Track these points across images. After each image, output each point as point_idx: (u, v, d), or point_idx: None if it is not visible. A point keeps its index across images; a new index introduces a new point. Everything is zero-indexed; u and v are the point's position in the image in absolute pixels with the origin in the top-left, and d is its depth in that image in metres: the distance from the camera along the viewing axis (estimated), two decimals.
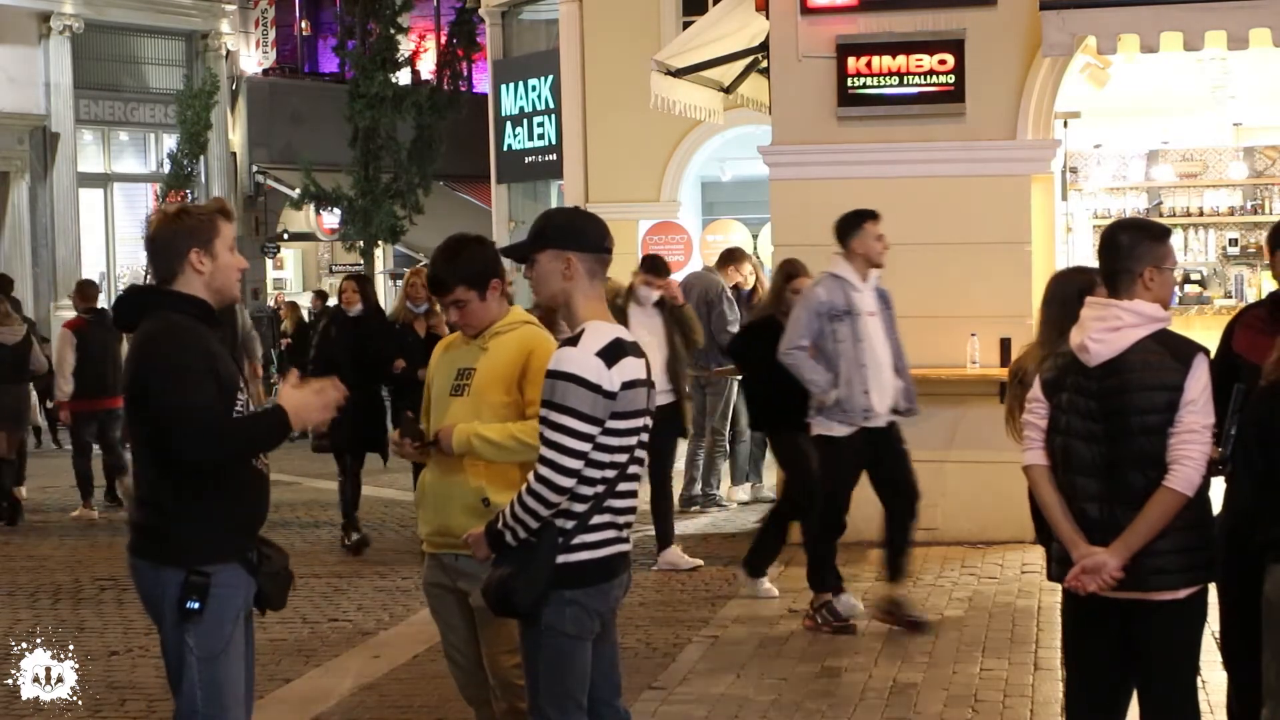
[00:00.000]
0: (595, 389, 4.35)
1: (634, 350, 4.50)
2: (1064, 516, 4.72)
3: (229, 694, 4.67)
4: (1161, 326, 4.68)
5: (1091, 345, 4.67)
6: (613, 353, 4.41)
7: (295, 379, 4.80)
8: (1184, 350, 4.65)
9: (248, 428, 4.69)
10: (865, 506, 10.68)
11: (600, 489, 4.45)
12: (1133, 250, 4.74)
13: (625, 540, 4.60)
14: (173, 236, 4.70)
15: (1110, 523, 4.63)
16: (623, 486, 4.51)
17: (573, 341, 4.44)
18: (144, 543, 4.67)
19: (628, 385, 4.42)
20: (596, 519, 4.46)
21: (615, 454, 4.45)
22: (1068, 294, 5.47)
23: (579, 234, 4.57)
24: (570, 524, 4.44)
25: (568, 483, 4.37)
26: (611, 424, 4.40)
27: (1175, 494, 4.55)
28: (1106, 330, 4.66)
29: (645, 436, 4.57)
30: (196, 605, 4.55)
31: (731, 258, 13.33)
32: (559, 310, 4.62)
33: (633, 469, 4.53)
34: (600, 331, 4.45)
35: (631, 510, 4.60)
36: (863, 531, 10.62)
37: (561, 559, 4.43)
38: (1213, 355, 4.88)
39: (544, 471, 4.37)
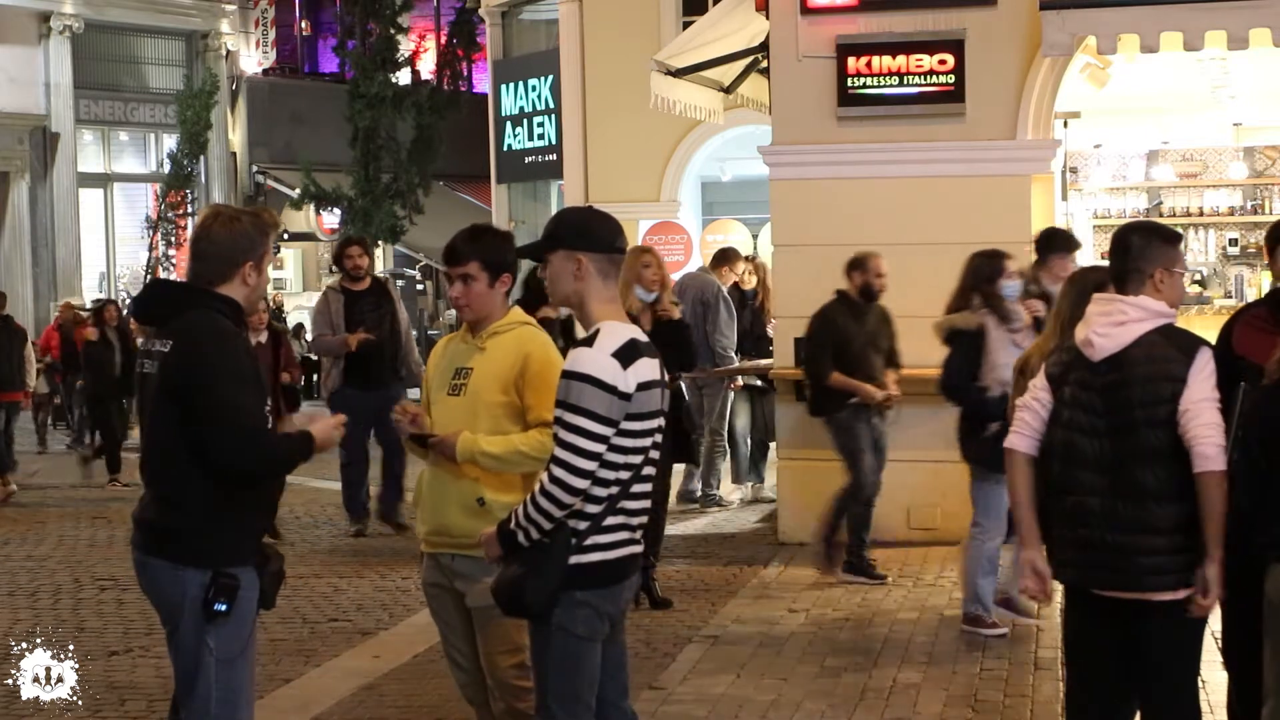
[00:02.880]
0: (611, 390, 4.34)
1: (648, 351, 4.49)
2: (1029, 509, 4.80)
3: (242, 696, 4.68)
4: (1167, 321, 4.69)
5: (1096, 340, 4.68)
6: (628, 353, 4.39)
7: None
8: (1188, 343, 4.66)
9: (280, 445, 4.70)
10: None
11: (614, 490, 4.43)
12: (1144, 251, 4.76)
13: (638, 542, 4.59)
14: (233, 244, 4.67)
15: (1113, 515, 4.63)
16: (637, 488, 4.50)
17: (588, 342, 4.44)
18: (164, 542, 4.62)
19: (643, 386, 4.41)
20: (610, 520, 4.45)
21: (630, 455, 4.43)
22: (1083, 289, 5.46)
23: (589, 234, 4.56)
24: (584, 525, 4.42)
25: (582, 484, 4.36)
26: (626, 425, 4.38)
27: (1209, 474, 4.56)
28: (1111, 325, 4.67)
29: (659, 438, 4.55)
30: (225, 607, 4.54)
31: (725, 258, 13.25)
32: (573, 311, 4.61)
33: (647, 470, 4.52)
34: (615, 332, 4.44)
35: (645, 511, 4.58)
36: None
37: (574, 560, 4.42)
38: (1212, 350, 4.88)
39: (558, 472, 4.35)
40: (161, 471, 4.68)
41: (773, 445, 12.54)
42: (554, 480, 4.35)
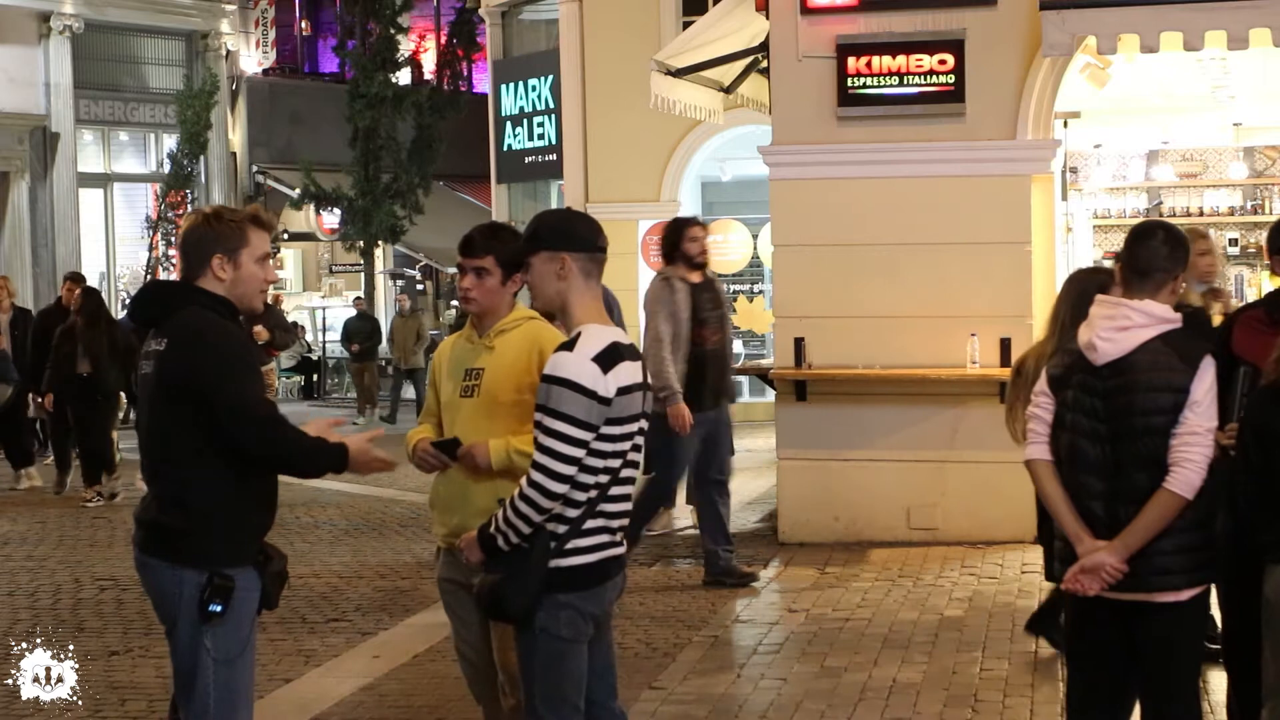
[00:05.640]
0: (590, 395, 4.32)
1: (630, 354, 4.48)
2: (1069, 511, 4.71)
3: (241, 697, 4.67)
4: (1171, 328, 4.67)
5: (1099, 344, 4.66)
6: (609, 357, 4.38)
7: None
8: (1192, 352, 4.64)
9: (300, 437, 4.71)
10: (866, 507, 10.70)
11: (594, 494, 4.43)
12: (1174, 254, 4.75)
13: (619, 544, 4.59)
14: (200, 238, 4.69)
15: (1114, 521, 4.63)
16: (616, 491, 4.50)
17: (569, 345, 4.42)
18: (162, 542, 4.62)
19: (623, 391, 4.40)
20: (590, 523, 4.45)
21: (609, 459, 4.43)
22: (1087, 292, 5.43)
23: (572, 234, 4.55)
24: (563, 529, 4.42)
25: (561, 489, 4.36)
26: (606, 430, 4.38)
27: (1174, 496, 4.55)
28: (1115, 329, 4.65)
29: (640, 440, 4.55)
30: (219, 609, 4.54)
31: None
32: (555, 313, 4.60)
33: (626, 473, 4.52)
34: (597, 335, 4.42)
35: (625, 514, 4.58)
36: (862, 531, 10.66)
37: (555, 563, 4.42)
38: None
39: (537, 477, 4.35)
40: (160, 471, 4.68)
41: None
42: (532, 484, 4.35)
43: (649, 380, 4.59)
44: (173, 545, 4.59)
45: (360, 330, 23.37)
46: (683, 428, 9.23)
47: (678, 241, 9.54)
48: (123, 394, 14.43)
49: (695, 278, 9.51)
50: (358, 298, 25.29)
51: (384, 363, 23.88)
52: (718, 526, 9.67)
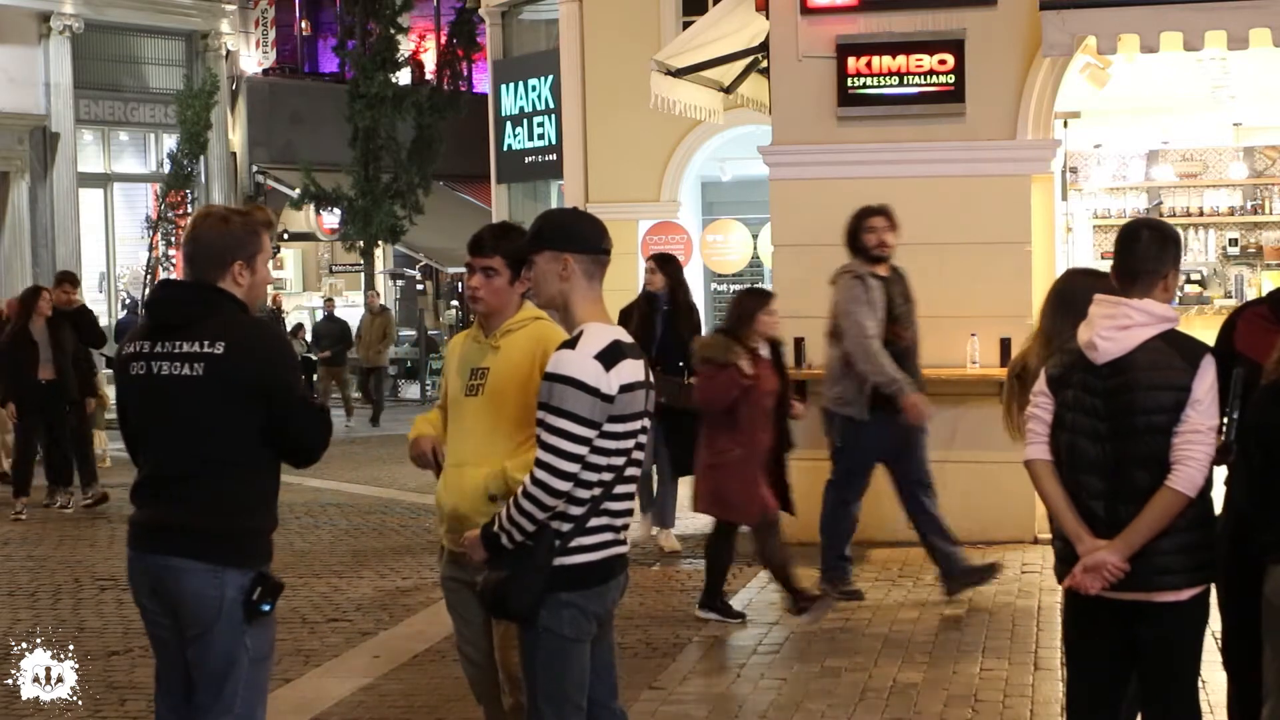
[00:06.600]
0: (593, 392, 4.33)
1: (633, 352, 4.48)
2: (1068, 511, 4.71)
3: (263, 694, 4.73)
4: (1171, 327, 4.68)
5: (1100, 343, 4.66)
6: (611, 355, 4.39)
7: None
8: (1192, 351, 4.64)
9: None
10: (866, 508, 10.69)
11: (597, 492, 4.43)
12: (1161, 252, 4.76)
13: (622, 542, 4.60)
14: (220, 244, 4.66)
15: (1115, 520, 4.62)
16: (620, 489, 4.50)
17: (571, 344, 4.43)
18: (202, 544, 4.55)
19: (626, 388, 4.40)
20: (594, 521, 4.46)
21: (612, 457, 4.43)
22: (1072, 292, 5.40)
23: (576, 235, 4.56)
24: (567, 527, 4.43)
25: (564, 486, 4.36)
26: (609, 427, 4.38)
27: (1177, 494, 4.55)
28: (1116, 329, 4.65)
29: (643, 439, 4.55)
30: (269, 607, 4.57)
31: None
32: (557, 312, 4.61)
33: (630, 471, 4.52)
34: (599, 333, 4.43)
35: (628, 513, 4.59)
36: (862, 531, 10.65)
37: (558, 562, 4.43)
38: (1213, 352, 4.87)
39: (540, 474, 4.35)
40: (204, 472, 4.60)
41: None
42: (536, 483, 4.35)
43: (651, 379, 4.59)
44: (215, 546, 4.56)
45: (329, 332, 22.55)
46: (919, 416, 8.81)
47: (856, 231, 8.97)
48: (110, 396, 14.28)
49: (881, 271, 8.97)
50: (328, 299, 24.89)
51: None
52: (937, 526, 9.15)
